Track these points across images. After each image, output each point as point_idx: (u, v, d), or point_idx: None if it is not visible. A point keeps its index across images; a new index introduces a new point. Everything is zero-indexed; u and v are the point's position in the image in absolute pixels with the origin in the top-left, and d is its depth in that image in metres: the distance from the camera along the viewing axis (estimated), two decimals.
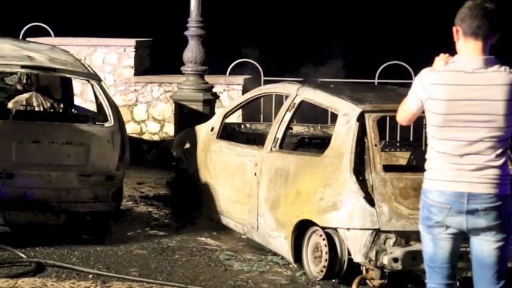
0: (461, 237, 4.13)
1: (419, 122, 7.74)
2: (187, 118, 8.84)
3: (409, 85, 9.79)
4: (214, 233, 7.20)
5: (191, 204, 7.66)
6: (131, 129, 10.16)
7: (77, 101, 9.65)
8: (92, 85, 7.25)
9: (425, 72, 4.11)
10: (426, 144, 7.37)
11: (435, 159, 4.13)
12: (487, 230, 4.03)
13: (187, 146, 7.87)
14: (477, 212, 4.01)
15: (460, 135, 4.01)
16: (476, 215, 4.01)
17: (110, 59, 10.51)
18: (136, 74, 10.48)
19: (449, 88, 4.00)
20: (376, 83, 9.34)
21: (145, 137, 10.38)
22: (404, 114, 4.29)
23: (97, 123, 7.10)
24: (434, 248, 4.11)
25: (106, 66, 10.49)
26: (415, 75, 10.52)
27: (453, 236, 4.08)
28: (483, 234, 4.04)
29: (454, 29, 4.07)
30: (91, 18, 14.17)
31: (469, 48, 4.01)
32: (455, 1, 4.44)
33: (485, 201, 4.00)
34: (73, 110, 8.21)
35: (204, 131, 7.63)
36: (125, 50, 10.48)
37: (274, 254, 6.50)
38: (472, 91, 3.97)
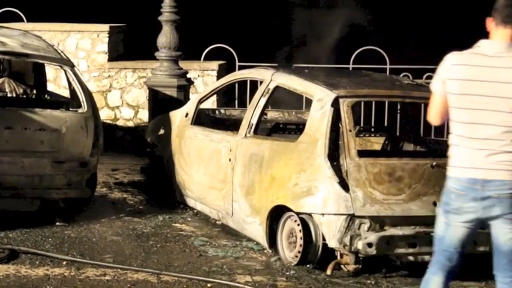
0: (477, 227, 4.13)
1: (394, 107, 7.74)
2: (161, 104, 8.75)
3: (383, 70, 9.78)
4: (189, 219, 7.15)
5: (166, 190, 7.59)
6: (105, 115, 10.05)
7: (50, 87, 9.51)
8: (65, 71, 7.14)
9: (449, 54, 4.14)
10: (400, 130, 7.43)
11: (454, 145, 4.13)
12: (502, 218, 4.02)
13: (162, 132, 7.80)
14: (491, 198, 4.00)
15: (474, 117, 4.01)
16: (490, 202, 4.00)
17: (83, 44, 10.38)
18: (110, 59, 10.35)
19: (466, 68, 4.03)
20: (351, 68, 9.31)
21: (120, 123, 10.28)
22: (432, 106, 4.21)
23: (70, 109, 7.01)
24: (445, 232, 4.14)
25: (79, 51, 10.35)
26: (390, 60, 10.48)
27: (467, 224, 4.09)
28: (499, 222, 4.04)
29: (488, 19, 4.12)
30: (64, 4, 13.98)
31: (498, 36, 4.08)
32: None
33: (499, 188, 3.99)
34: (46, 96, 8.10)
35: (179, 117, 7.55)
36: (98, 36, 10.35)
37: (249, 239, 6.47)
38: (488, 73, 4.00)
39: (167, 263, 5.96)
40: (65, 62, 7.15)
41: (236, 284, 5.56)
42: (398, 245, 5.66)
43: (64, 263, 5.83)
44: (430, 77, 9.13)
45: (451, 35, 12.72)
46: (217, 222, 6.96)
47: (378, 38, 10.05)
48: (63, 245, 6.23)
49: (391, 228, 5.67)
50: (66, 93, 8.42)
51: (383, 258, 5.78)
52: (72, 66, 7.19)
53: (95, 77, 10.33)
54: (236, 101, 9.69)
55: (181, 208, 7.39)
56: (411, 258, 5.73)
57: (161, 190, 7.69)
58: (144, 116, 9.90)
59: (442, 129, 8.87)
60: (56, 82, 10.16)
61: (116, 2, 13.97)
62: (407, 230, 5.66)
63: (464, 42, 4.47)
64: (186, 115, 7.44)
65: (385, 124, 8.56)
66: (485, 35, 4.19)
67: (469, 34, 4.33)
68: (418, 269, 5.72)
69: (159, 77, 9.02)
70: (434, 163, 5.75)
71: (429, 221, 5.68)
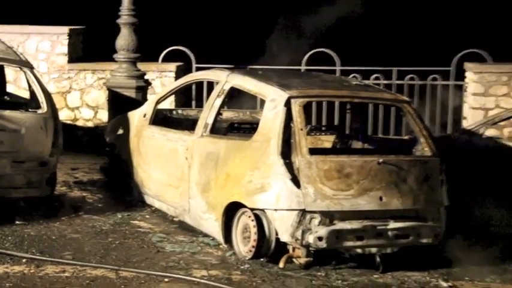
0: None
1: (344, 107, 7.91)
2: (120, 105, 8.78)
3: (333, 72, 9.94)
4: (147, 216, 7.22)
5: (124, 188, 7.64)
6: (65, 116, 10.06)
7: (11, 88, 9.48)
8: (25, 72, 7.15)
9: None
10: (350, 128, 7.59)
11: None
12: None
13: (121, 132, 7.84)
14: None
15: None
16: None
17: (43, 46, 10.36)
18: (70, 61, 10.35)
19: None
20: (303, 70, 9.45)
21: (80, 123, 10.28)
22: None
23: (30, 110, 7.02)
24: None
25: (39, 53, 10.33)
26: (341, 62, 10.64)
27: None
28: None
29: None
30: (24, 6, 13.88)
31: None
32: None
33: None
34: (5, 97, 8.08)
35: (137, 117, 7.61)
36: (58, 38, 10.33)
37: (206, 235, 6.56)
38: None
39: (126, 259, 6.02)
40: (24, 64, 7.17)
41: (192, 278, 5.65)
42: (347, 239, 5.80)
43: (24, 260, 5.86)
44: (377, 78, 9.35)
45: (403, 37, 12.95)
46: (174, 219, 7.04)
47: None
48: (23, 243, 6.25)
49: (340, 223, 5.81)
50: (26, 94, 8.41)
51: (333, 251, 5.91)
52: (31, 68, 7.21)
53: (55, 78, 10.32)
54: (193, 102, 9.77)
55: (140, 206, 7.44)
56: (359, 250, 5.87)
57: (120, 188, 7.74)
58: (103, 116, 9.92)
59: (389, 128, 9.10)
60: (16, 83, 10.12)
61: (75, 5, 13.92)
62: (355, 224, 5.82)
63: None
64: (144, 115, 7.51)
65: (335, 123, 8.75)
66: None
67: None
68: (366, 261, 5.92)
69: (118, 78, 9.06)
70: (380, 160, 5.91)
71: (376, 215, 5.89)
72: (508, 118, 7.61)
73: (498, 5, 13.87)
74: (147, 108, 7.57)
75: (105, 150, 8.31)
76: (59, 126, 7.01)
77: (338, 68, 9.57)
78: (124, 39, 8.96)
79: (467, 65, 9.46)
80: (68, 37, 10.32)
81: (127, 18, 8.95)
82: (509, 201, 6.71)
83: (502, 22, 13.48)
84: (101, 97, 10.14)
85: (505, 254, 6.30)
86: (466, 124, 8.95)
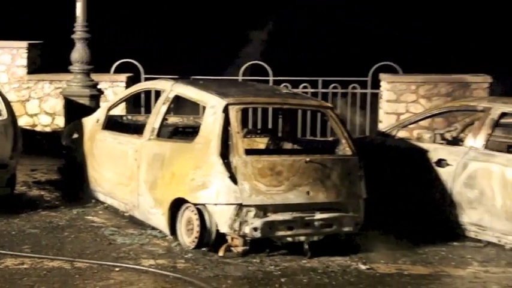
0: None
1: (277, 112, 7.89)
2: (75, 111, 8.60)
3: (267, 81, 9.92)
4: (100, 212, 7.06)
5: (79, 187, 7.46)
6: (25, 122, 9.81)
7: None
8: None
9: None
10: (281, 131, 7.57)
11: None
12: None
13: (76, 136, 7.67)
14: None
15: None
16: None
17: (3, 59, 10.08)
18: (29, 72, 10.11)
19: None
20: (240, 80, 9.42)
21: (38, 128, 10.04)
22: None
23: None
24: None
25: (0, 65, 10.04)
26: (273, 73, 10.65)
27: None
28: None
29: None
30: None
31: None
32: None
33: None
34: None
35: (91, 123, 7.46)
36: (17, 51, 10.08)
37: (153, 228, 6.45)
38: None
39: (80, 251, 5.87)
40: None
41: (141, 267, 5.54)
42: (279, 229, 5.79)
43: None
44: (305, 87, 9.39)
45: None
46: (125, 214, 6.90)
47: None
48: None
49: (273, 215, 5.80)
50: None
51: (267, 240, 5.89)
52: None
53: (15, 88, 10.04)
54: (142, 108, 9.64)
55: (93, 203, 7.28)
56: (289, 239, 5.86)
57: (75, 187, 7.56)
58: (60, 122, 9.72)
59: (316, 131, 9.15)
60: None
61: (35, 22, 13.59)
62: (286, 216, 5.80)
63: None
64: (97, 121, 7.36)
65: (269, 127, 8.73)
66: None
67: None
68: (295, 248, 5.92)
69: (73, 88, 8.88)
70: (307, 159, 5.92)
71: (304, 207, 5.89)
72: (417, 121, 7.72)
73: (408, 23, 14.19)
74: (100, 115, 7.42)
75: (62, 152, 8.11)
76: (18, 132, 6.81)
77: (271, 78, 9.58)
78: (78, 53, 8.78)
79: (381, 76, 9.59)
80: (27, 51, 10.10)
81: (81, 34, 8.77)
82: (418, 193, 6.79)
83: (411, 38, 13.78)
84: (57, 105, 9.92)
85: (414, 239, 6.39)
86: (381, 127, 9.05)
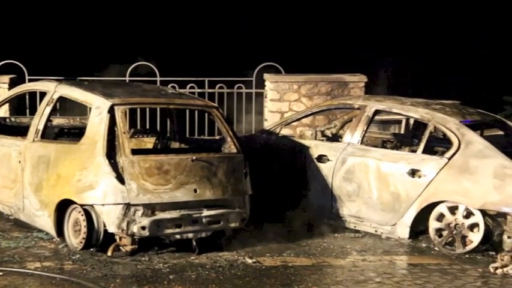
0: None
1: (165, 112, 7.82)
2: None
3: (154, 82, 9.83)
4: None
5: None
6: None
7: None
8: None
9: None
10: (170, 131, 7.53)
11: None
12: None
13: None
14: None
15: None
16: None
17: None
18: None
19: None
20: (127, 81, 9.26)
21: None
22: None
23: None
24: None
25: None
26: (160, 73, 10.52)
27: None
28: None
29: None
30: None
31: None
32: None
33: None
34: None
35: None
36: None
37: (40, 230, 6.24)
38: None
39: None
40: None
41: (26, 270, 5.34)
42: (167, 227, 5.76)
43: None
44: (192, 87, 9.39)
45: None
46: (10, 217, 6.63)
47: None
48: None
49: (160, 213, 5.76)
50: None
51: (155, 238, 5.84)
52: None
53: None
54: (27, 110, 9.27)
55: None
56: (178, 236, 5.85)
57: None
58: None
59: (204, 130, 9.17)
60: None
61: None
62: (174, 214, 5.78)
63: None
64: None
65: (157, 126, 8.65)
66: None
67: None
68: (184, 245, 5.91)
69: None
70: (194, 157, 5.92)
71: (191, 205, 5.89)
72: (299, 119, 7.91)
73: (291, 28, 14.55)
74: None
75: None
76: None
77: (158, 78, 9.49)
78: None
79: (266, 76, 9.74)
80: None
81: None
82: (301, 188, 6.97)
83: (292, 40, 14.12)
84: None
85: (298, 232, 6.55)
86: (266, 125, 9.20)
